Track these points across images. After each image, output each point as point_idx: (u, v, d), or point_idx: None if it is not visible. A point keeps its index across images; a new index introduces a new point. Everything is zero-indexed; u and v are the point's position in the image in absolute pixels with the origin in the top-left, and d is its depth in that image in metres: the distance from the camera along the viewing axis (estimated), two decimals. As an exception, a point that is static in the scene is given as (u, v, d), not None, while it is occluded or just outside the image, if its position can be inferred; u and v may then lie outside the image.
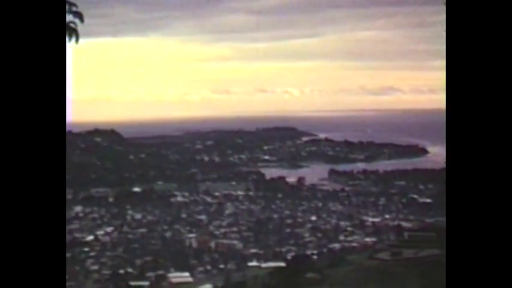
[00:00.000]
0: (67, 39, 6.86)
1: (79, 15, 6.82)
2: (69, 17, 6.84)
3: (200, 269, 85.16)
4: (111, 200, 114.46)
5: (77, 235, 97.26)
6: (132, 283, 78.13)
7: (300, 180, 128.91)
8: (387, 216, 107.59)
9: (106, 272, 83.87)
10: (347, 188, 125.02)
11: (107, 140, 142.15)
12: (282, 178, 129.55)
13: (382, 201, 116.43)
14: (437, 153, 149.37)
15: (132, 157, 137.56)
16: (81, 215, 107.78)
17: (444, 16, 5.98)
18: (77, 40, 6.86)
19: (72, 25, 6.82)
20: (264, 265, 80.00)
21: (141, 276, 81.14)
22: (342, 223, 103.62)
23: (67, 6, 6.83)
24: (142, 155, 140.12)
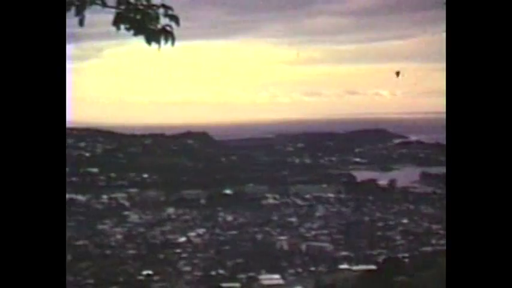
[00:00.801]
0: (162, 42, 7.06)
1: (175, 19, 7.01)
2: (165, 21, 7.05)
3: (291, 271, 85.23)
4: (202, 202, 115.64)
5: (170, 236, 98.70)
6: (224, 285, 78.79)
7: (391, 182, 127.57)
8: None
9: (198, 273, 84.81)
10: (438, 191, 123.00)
11: (199, 142, 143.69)
12: (372, 180, 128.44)
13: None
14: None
15: (223, 159, 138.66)
16: (173, 216, 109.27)
17: None
18: (172, 43, 7.06)
19: (168, 28, 7.02)
20: (354, 268, 79.58)
21: (232, 278, 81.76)
22: (434, 226, 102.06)
23: (163, 10, 7.03)
24: (234, 157, 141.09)
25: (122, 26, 7.09)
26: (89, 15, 7.00)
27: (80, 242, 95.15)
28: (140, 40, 7.06)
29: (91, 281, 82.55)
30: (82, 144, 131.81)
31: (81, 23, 6.99)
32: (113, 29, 7.08)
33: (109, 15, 7.20)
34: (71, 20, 6.90)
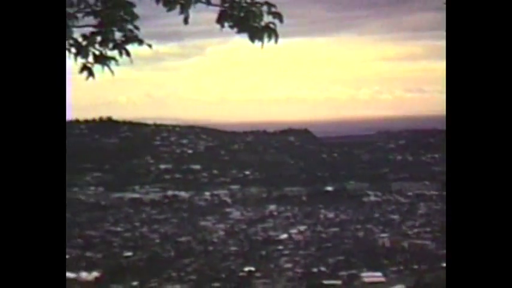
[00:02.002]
0: (266, 39, 7.08)
1: (279, 16, 7.03)
2: (268, 18, 7.07)
3: (392, 268, 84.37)
4: (304, 198, 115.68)
5: (271, 233, 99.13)
6: (325, 282, 78.64)
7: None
8: None
9: (299, 270, 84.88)
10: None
11: (300, 139, 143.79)
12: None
13: None
14: None
15: (324, 156, 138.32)
16: (275, 213, 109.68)
17: None
18: (276, 40, 7.08)
19: (271, 26, 7.04)
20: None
21: (333, 275, 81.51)
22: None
23: (266, 7, 7.05)
24: (335, 154, 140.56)
25: (226, 24, 7.15)
26: (192, 13, 7.09)
27: (183, 239, 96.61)
28: (242, 38, 7.10)
29: (193, 277, 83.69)
30: (185, 141, 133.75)
31: (185, 21, 7.08)
32: (216, 26, 7.15)
33: (211, 13, 7.27)
34: (174, 18, 7.00)
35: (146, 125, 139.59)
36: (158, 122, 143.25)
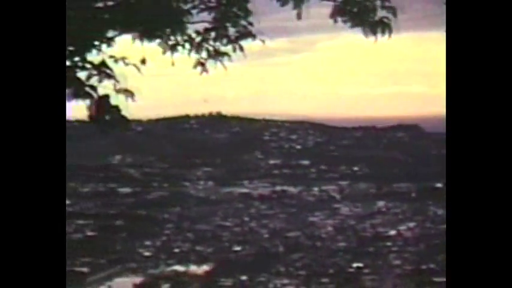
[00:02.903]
0: (379, 35, 7.02)
1: (392, 10, 6.97)
2: (382, 13, 7.01)
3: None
4: (413, 195, 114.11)
5: (380, 229, 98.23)
6: (435, 279, 77.45)
7: None
8: None
9: (408, 267, 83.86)
10: None
11: (410, 134, 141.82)
12: None
13: None
14: None
15: (434, 152, 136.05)
16: (383, 209, 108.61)
17: None
18: (389, 35, 7.02)
19: (385, 20, 6.99)
20: None
21: (443, 273, 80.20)
22: None
23: (380, 1, 6.99)
24: (444, 150, 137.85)
25: (339, 19, 7.13)
26: (303, 8, 7.09)
27: (291, 234, 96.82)
28: (353, 33, 7.07)
29: (302, 272, 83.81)
30: (294, 136, 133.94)
31: (299, 16, 7.09)
32: (326, 21, 7.14)
33: (322, 8, 7.27)
34: (284, 13, 7.02)
35: (256, 120, 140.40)
36: (267, 117, 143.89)
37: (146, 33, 6.98)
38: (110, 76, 6.07)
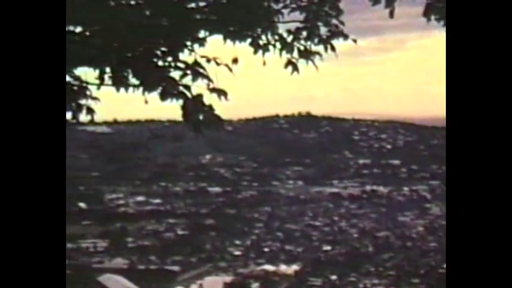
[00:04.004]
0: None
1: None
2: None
3: None
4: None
5: None
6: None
7: None
8: None
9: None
10: None
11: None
12: None
13: None
14: None
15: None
16: None
17: None
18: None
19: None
20: None
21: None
22: None
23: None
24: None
25: (432, 17, 7.04)
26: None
27: (381, 234, 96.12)
28: (444, 31, 6.96)
29: (392, 272, 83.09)
30: (383, 136, 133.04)
31: (391, 14, 7.04)
32: (417, 20, 7.05)
33: (411, 7, 7.19)
34: (374, 13, 6.97)
35: (345, 119, 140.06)
36: (356, 116, 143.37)
37: (237, 33, 7.01)
38: (204, 75, 6.12)
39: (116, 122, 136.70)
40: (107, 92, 6.49)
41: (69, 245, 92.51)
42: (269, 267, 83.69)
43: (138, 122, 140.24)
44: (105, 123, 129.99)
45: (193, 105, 5.99)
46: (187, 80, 6.10)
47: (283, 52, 7.26)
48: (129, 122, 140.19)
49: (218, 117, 6.12)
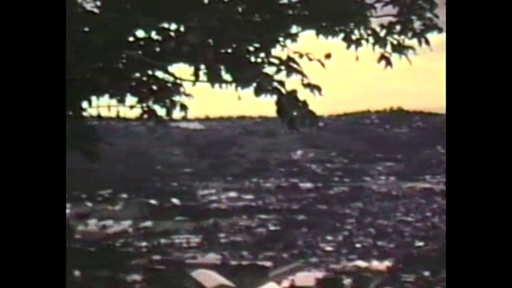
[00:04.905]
0: None
1: None
2: None
3: None
4: None
5: None
6: None
7: None
8: None
9: None
10: None
11: None
12: None
13: None
14: None
15: None
16: None
17: None
18: None
19: None
20: None
21: None
22: None
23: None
24: None
25: None
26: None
27: None
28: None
29: None
30: None
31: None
32: None
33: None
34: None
35: (437, 114, 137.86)
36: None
37: (330, 28, 7.01)
38: (298, 71, 6.14)
39: (208, 118, 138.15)
40: (198, 88, 6.59)
41: (162, 241, 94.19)
42: (361, 263, 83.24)
43: (229, 118, 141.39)
44: (197, 119, 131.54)
45: (288, 101, 6.02)
46: (281, 75, 6.13)
47: (376, 47, 7.23)
48: (221, 119, 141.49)
49: (313, 113, 6.14)
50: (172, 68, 6.60)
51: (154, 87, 6.78)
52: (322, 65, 6.53)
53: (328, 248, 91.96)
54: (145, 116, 6.85)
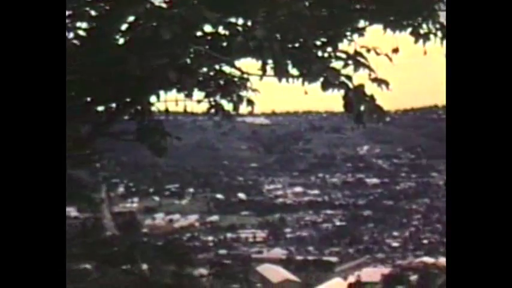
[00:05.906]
0: None
1: None
2: None
3: None
4: None
5: None
6: None
7: None
8: None
9: None
10: None
11: None
12: None
13: None
14: None
15: None
16: None
17: None
18: None
19: None
20: None
21: None
22: None
23: None
24: None
25: None
26: None
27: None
28: None
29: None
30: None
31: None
32: None
33: None
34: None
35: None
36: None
37: (398, 22, 6.96)
38: (365, 66, 6.11)
39: (274, 113, 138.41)
40: (264, 83, 6.60)
41: (229, 235, 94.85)
42: (428, 259, 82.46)
43: (295, 113, 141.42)
44: (264, 114, 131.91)
45: (355, 96, 5.99)
46: (348, 70, 6.11)
47: (444, 41, 7.15)
48: (287, 113, 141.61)
49: (380, 108, 6.10)
50: (239, 63, 6.63)
51: (222, 82, 6.81)
52: (390, 59, 6.48)
53: (395, 244, 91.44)
54: (212, 110, 6.89)
